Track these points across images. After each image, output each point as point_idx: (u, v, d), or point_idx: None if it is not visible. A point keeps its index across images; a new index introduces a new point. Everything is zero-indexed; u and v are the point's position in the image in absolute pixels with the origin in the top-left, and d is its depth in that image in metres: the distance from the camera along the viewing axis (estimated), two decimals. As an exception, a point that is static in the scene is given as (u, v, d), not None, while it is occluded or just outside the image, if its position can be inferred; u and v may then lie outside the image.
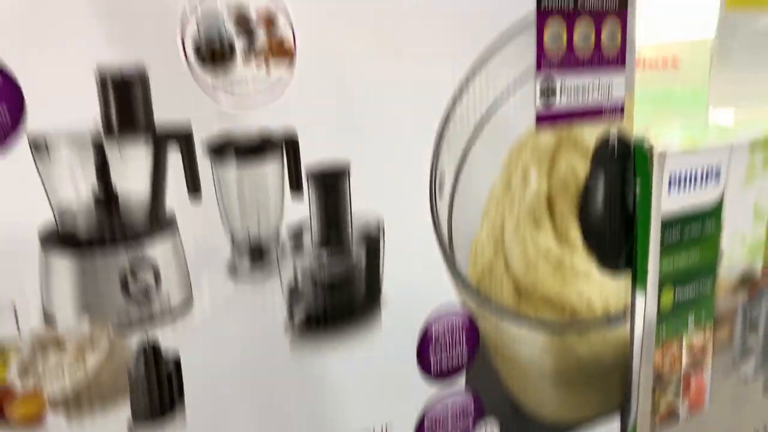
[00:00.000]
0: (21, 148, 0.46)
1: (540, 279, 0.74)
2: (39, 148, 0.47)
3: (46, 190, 0.48)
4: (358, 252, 0.62)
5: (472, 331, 0.71)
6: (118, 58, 0.48)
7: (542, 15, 0.68)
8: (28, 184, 0.47)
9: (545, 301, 0.75)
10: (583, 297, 0.77)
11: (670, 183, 0.78)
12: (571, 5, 0.70)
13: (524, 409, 0.78)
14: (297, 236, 0.59)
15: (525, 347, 0.75)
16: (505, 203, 0.71)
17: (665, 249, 0.79)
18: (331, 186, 0.59)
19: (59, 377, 0.50)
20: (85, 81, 0.47)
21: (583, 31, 0.71)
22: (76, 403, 0.51)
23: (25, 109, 0.46)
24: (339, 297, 0.61)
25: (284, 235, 0.58)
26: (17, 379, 0.49)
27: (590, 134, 0.75)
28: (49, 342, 0.50)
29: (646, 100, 0.80)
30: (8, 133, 0.45)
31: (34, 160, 0.47)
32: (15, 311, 0.47)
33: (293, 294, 0.59)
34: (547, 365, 0.77)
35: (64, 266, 0.49)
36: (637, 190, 0.78)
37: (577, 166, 0.75)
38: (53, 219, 0.48)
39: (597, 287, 0.78)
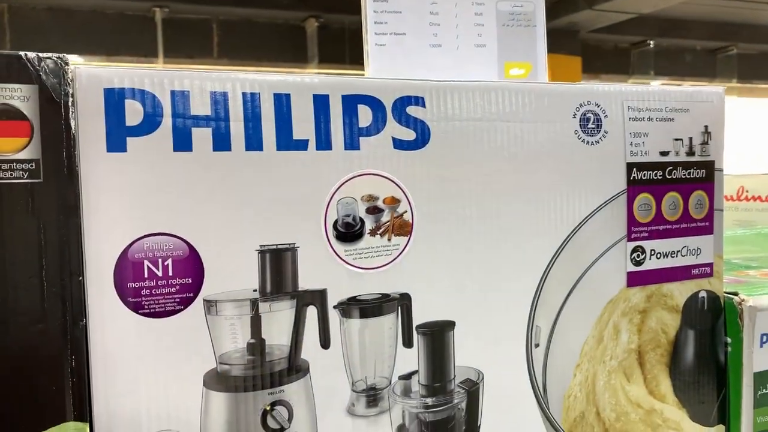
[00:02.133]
0: (197, 307, 0.59)
1: (630, 428, 0.78)
2: (210, 307, 0.60)
3: (212, 339, 0.60)
4: (459, 398, 0.70)
5: (564, 475, 0.76)
6: (276, 238, 0.61)
7: (632, 187, 0.77)
8: (200, 336, 0.60)
9: (637, 449, 0.79)
10: (675, 448, 0.80)
11: (762, 339, 0.82)
12: (659, 178, 0.78)
13: None
14: (406, 381, 0.68)
15: (616, 494, 0.79)
16: (596, 356, 0.77)
17: (758, 404, 0.82)
18: (438, 340, 0.68)
19: (207, 494, 0.61)
20: (248, 257, 0.60)
21: (671, 201, 0.79)
22: None
23: (203, 278, 0.59)
24: (441, 436, 0.69)
25: (395, 380, 0.68)
26: (176, 494, 0.60)
27: (680, 292, 0.81)
28: (203, 464, 0.61)
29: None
30: (192, 297, 0.59)
31: (206, 316, 0.59)
32: (181, 439, 0.59)
33: (401, 429, 0.68)
34: None
35: (219, 401, 0.61)
36: (729, 347, 0.82)
37: (667, 322, 0.80)
38: (214, 362, 0.60)
39: (689, 439, 0.81)
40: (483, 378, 0.71)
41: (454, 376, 0.70)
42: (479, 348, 0.71)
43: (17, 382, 0.54)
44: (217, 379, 0.61)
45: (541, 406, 0.74)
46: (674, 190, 0.79)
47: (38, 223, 0.54)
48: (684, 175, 0.79)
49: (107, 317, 0.57)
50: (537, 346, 0.74)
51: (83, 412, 0.56)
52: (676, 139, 0.79)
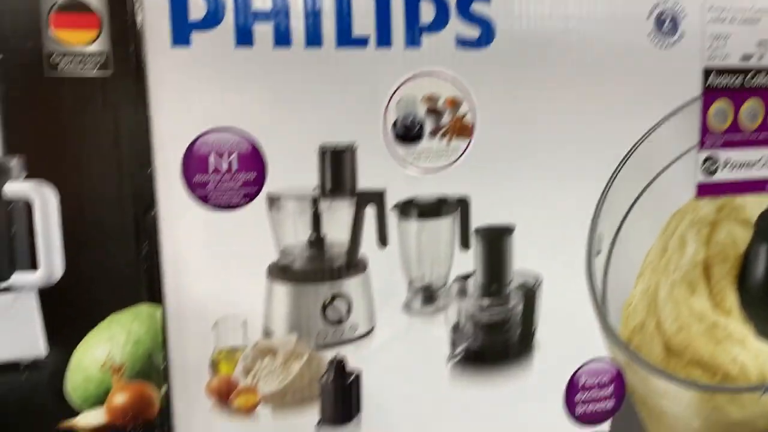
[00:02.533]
0: (260, 202, 0.61)
1: (692, 340, 0.78)
2: (273, 202, 0.61)
3: (274, 233, 0.62)
4: (515, 301, 0.70)
5: (619, 382, 0.77)
6: (335, 137, 0.62)
7: (708, 93, 0.73)
8: (262, 229, 0.62)
9: (696, 361, 0.78)
10: (737, 362, 0.79)
11: (840, 258, 0.78)
12: (739, 84, 0.74)
13: (669, 464, 0.81)
14: (463, 282, 0.69)
15: (672, 403, 0.79)
16: (660, 267, 0.76)
17: (831, 324, 0.79)
18: (496, 244, 0.69)
19: (270, 378, 0.64)
20: (309, 155, 0.61)
21: (750, 109, 0.74)
22: (281, 400, 0.65)
23: (266, 174, 0.61)
24: (495, 337, 0.71)
25: (451, 281, 0.69)
26: (241, 377, 0.64)
27: (753, 205, 0.77)
28: (266, 351, 0.64)
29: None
30: (255, 192, 0.61)
31: (269, 211, 0.61)
32: (245, 326, 0.62)
33: (456, 331, 0.69)
34: (694, 423, 0.80)
35: (281, 292, 0.64)
36: (803, 263, 0.79)
37: (738, 236, 0.78)
38: (277, 256, 0.63)
39: (753, 354, 0.79)
40: (540, 284, 0.71)
41: (511, 280, 0.70)
42: (538, 254, 0.70)
43: (95, 266, 0.58)
44: (280, 272, 0.63)
45: (599, 314, 0.74)
46: (755, 96, 0.74)
47: (112, 116, 0.56)
48: (767, 81, 0.75)
49: (176, 208, 0.59)
50: (598, 253, 0.73)
51: (156, 295, 0.60)
52: (761, 43, 0.74)
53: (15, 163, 0.55)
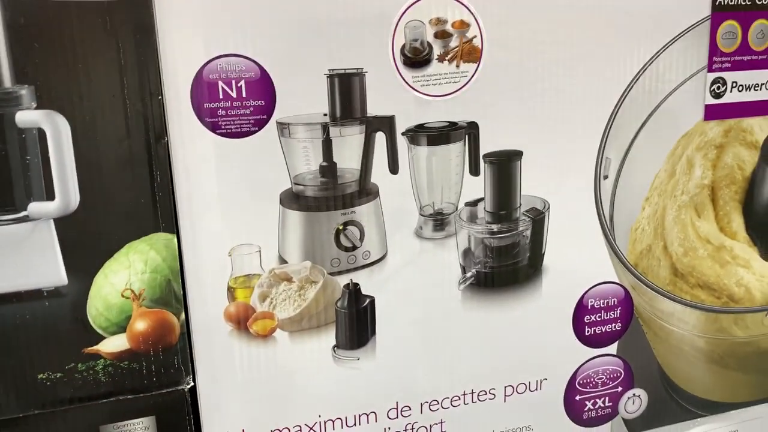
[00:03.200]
0: (271, 129, 0.61)
1: (698, 263, 0.79)
2: (283, 129, 0.62)
3: (286, 161, 0.63)
4: (524, 225, 0.71)
5: (626, 305, 0.78)
6: (343, 62, 0.61)
7: (717, 13, 0.72)
8: (275, 157, 0.62)
9: (701, 283, 0.80)
10: (742, 283, 0.80)
11: None
12: (748, 3, 0.73)
13: (673, 384, 0.84)
14: (472, 208, 0.70)
15: (678, 325, 0.81)
16: (667, 190, 0.76)
17: (836, 244, 0.80)
18: (504, 169, 0.69)
19: (286, 304, 0.66)
20: (318, 81, 0.61)
21: (759, 29, 0.74)
22: (297, 325, 0.66)
23: (275, 101, 0.61)
24: (505, 262, 0.72)
25: (461, 206, 0.69)
26: (257, 303, 0.65)
27: (761, 127, 0.78)
28: (281, 277, 0.65)
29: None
30: (265, 119, 0.61)
31: (279, 138, 0.62)
32: (260, 254, 0.63)
33: (466, 255, 0.70)
34: (699, 343, 0.82)
35: (295, 220, 0.65)
36: (809, 185, 0.80)
37: (744, 159, 0.78)
38: (290, 184, 0.63)
39: (757, 276, 0.81)
40: (549, 208, 0.71)
41: (520, 204, 0.71)
42: (546, 179, 0.71)
43: (111, 195, 0.59)
44: (293, 199, 0.64)
45: (607, 237, 0.75)
46: (764, 17, 0.74)
47: (116, 42, 0.56)
48: (777, 0, 0.74)
49: (187, 136, 0.59)
50: (606, 177, 0.73)
51: (171, 224, 0.61)
52: (772, -40, 0.73)
53: (26, 91, 0.55)
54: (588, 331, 0.77)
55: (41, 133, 0.56)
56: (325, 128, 0.63)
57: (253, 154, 0.61)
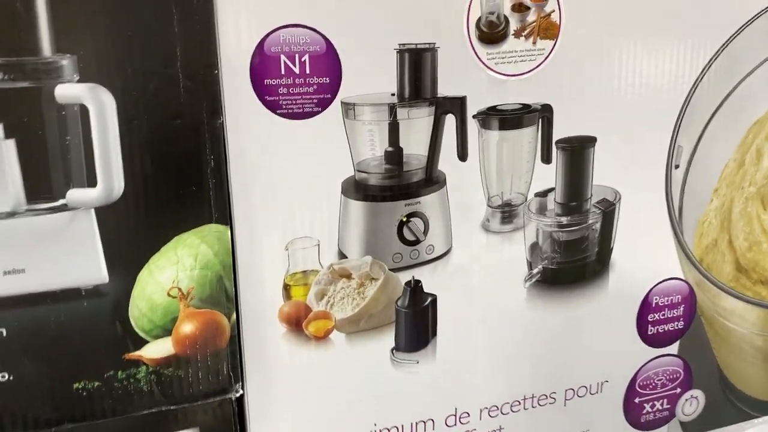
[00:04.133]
0: (335, 110, 0.55)
1: (761, 257, 0.75)
2: (348, 110, 0.55)
3: (350, 145, 0.56)
4: (594, 218, 0.66)
5: (690, 303, 0.74)
6: (414, 37, 0.56)
7: (794, -5, 0.68)
8: (337, 142, 0.56)
9: (764, 279, 0.76)
10: (806, 280, 0.77)
11: None
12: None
13: (731, 385, 0.80)
14: (542, 199, 0.64)
15: (739, 322, 0.77)
16: (735, 181, 0.72)
17: None
18: (577, 156, 0.64)
19: (345, 302, 0.60)
20: (387, 57, 0.55)
21: (837, 10, 0.70)
22: (356, 325, 0.60)
23: (341, 79, 0.54)
24: (573, 257, 0.67)
25: (531, 197, 0.64)
26: (314, 301, 0.59)
27: (832, 117, 0.74)
28: (340, 274, 0.59)
29: None
30: (330, 99, 0.54)
31: (344, 120, 0.56)
32: (318, 249, 0.57)
33: (534, 250, 0.65)
34: (758, 342, 0.78)
35: (356, 211, 0.59)
36: None
37: (814, 149, 0.74)
38: (353, 171, 0.57)
39: (821, 272, 0.77)
40: (620, 199, 0.67)
41: (591, 195, 0.66)
42: (618, 168, 0.66)
43: (158, 182, 0.52)
44: (356, 188, 0.58)
45: (675, 230, 0.70)
46: (842, -2, 0.70)
47: (171, 8, 0.49)
48: None
49: (244, 116, 0.53)
50: (677, 167, 0.69)
51: (225, 215, 0.54)
52: None
53: (67, 62, 0.48)
54: (651, 330, 0.73)
55: (83, 111, 0.49)
56: (392, 109, 0.57)
57: (315, 137, 0.55)
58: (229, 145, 0.53)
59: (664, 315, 0.73)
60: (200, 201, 0.53)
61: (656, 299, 0.72)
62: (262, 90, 0.53)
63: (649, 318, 0.72)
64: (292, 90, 0.54)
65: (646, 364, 0.74)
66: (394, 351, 0.62)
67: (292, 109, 0.54)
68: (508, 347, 0.67)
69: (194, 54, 0.51)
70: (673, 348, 0.75)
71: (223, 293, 0.56)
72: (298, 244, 0.57)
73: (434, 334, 0.63)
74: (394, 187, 0.60)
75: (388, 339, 0.62)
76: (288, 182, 0.56)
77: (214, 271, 0.55)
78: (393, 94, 0.57)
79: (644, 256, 0.70)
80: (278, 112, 0.54)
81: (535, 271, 0.65)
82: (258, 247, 0.56)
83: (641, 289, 0.71)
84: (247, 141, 0.54)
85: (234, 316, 0.56)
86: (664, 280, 0.72)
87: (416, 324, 0.62)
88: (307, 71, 0.54)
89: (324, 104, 0.55)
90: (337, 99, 0.55)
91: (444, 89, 0.58)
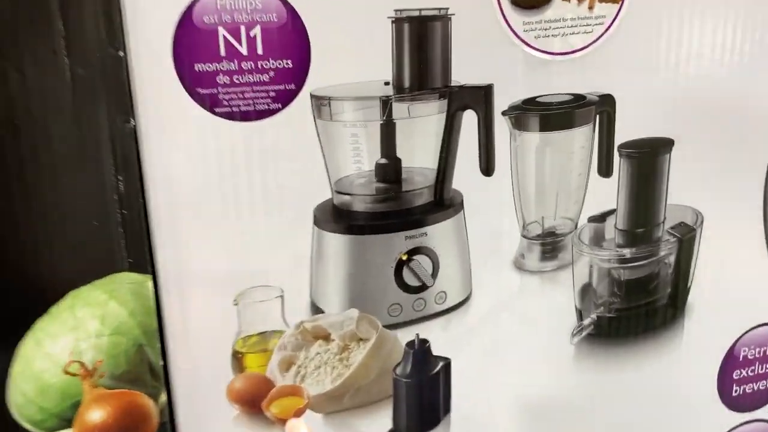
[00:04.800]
0: (301, 107, 0.38)
1: None
2: (321, 107, 0.39)
3: (324, 156, 0.40)
4: (668, 248, 0.49)
5: (789, 353, 0.56)
6: (418, 1, 0.38)
7: None
8: (305, 152, 0.39)
9: None
10: None
11: None
12: None
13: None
14: (598, 226, 0.47)
15: None
16: None
17: None
18: (647, 166, 0.47)
19: (322, 373, 0.43)
20: (377, 30, 0.38)
21: None
22: (338, 402, 0.44)
23: (309, 63, 0.37)
24: (639, 299, 0.50)
25: (583, 223, 0.47)
26: (278, 373, 0.43)
27: None
28: (314, 335, 0.43)
29: None
30: (293, 90, 0.38)
31: (315, 122, 0.39)
32: (282, 302, 0.41)
33: (585, 293, 0.48)
34: None
35: (337, 247, 0.42)
36: None
37: None
38: (329, 193, 0.40)
39: None
40: (702, 221, 0.49)
41: (665, 218, 0.48)
42: (701, 179, 0.50)
43: (42, 216, 0.36)
44: (334, 215, 0.42)
45: (774, 261, 0.52)
46: None
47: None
48: None
49: (166, 117, 0.37)
50: (779, 179, 0.51)
51: (143, 259, 0.38)
52: None
53: None
54: (736, 391, 0.56)
55: None
56: (386, 105, 0.40)
57: (273, 146, 0.39)
58: (146, 160, 0.37)
59: (754, 371, 0.56)
60: (106, 240, 0.37)
61: (745, 351, 0.55)
62: (191, 79, 0.36)
63: (735, 375, 0.56)
64: (238, 79, 0.37)
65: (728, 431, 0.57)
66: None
67: (238, 106, 0.37)
68: (550, 424, 0.50)
69: (86, 30, 0.34)
70: (765, 412, 0.57)
71: (145, 367, 0.40)
72: (252, 296, 0.41)
73: (447, 410, 0.47)
74: (389, 214, 0.43)
75: (383, 419, 0.46)
76: (235, 210, 0.39)
77: (131, 337, 0.39)
78: (387, 83, 0.40)
79: (732, 296, 0.53)
80: (217, 110, 0.37)
81: (586, 321, 0.49)
82: (194, 303, 0.40)
83: (726, 339, 0.55)
84: (172, 153, 0.37)
85: (163, 397, 0.40)
86: (756, 326, 0.55)
87: (423, 398, 0.46)
88: (259, 51, 0.37)
89: (285, 99, 0.38)
90: (304, 91, 0.38)
91: (461, 75, 0.41)
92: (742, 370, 0.56)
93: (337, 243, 0.42)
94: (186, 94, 0.37)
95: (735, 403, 0.57)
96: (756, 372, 0.56)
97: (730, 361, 0.55)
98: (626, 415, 0.53)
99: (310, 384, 0.44)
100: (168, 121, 0.37)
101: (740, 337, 0.55)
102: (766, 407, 0.58)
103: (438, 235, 0.44)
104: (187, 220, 0.39)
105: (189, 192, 0.38)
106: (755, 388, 0.57)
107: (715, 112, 0.47)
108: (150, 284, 0.38)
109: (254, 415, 0.43)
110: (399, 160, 0.42)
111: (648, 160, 0.46)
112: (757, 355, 0.56)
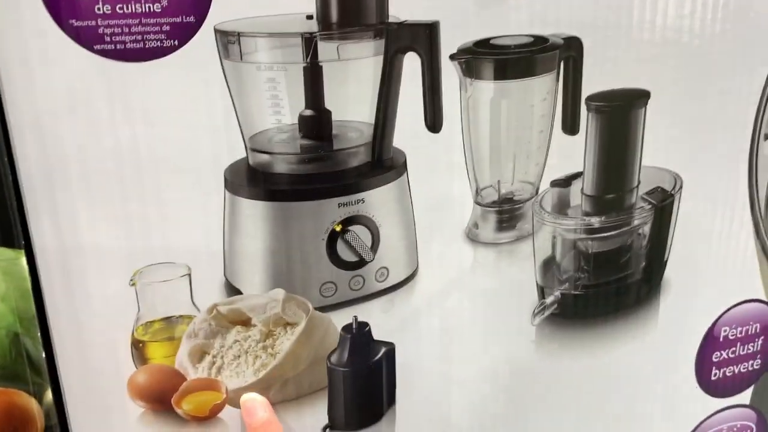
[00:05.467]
0: (204, 43, 0.31)
1: None
2: (229, 45, 0.32)
3: (235, 107, 0.33)
4: (642, 217, 0.43)
5: (771, 335, 0.51)
6: None
7: None
8: (210, 101, 0.32)
9: None
10: None
11: None
12: None
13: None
14: (562, 191, 0.41)
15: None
16: None
17: None
18: (619, 122, 0.41)
19: (242, 363, 0.37)
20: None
21: None
22: (262, 395, 0.38)
23: (212, -13, 0.31)
24: (609, 274, 0.44)
25: (545, 188, 0.41)
26: (188, 365, 0.36)
27: None
28: (231, 319, 0.37)
29: None
30: (194, 24, 0.31)
31: (221, 63, 0.32)
32: (189, 280, 0.34)
33: (547, 268, 0.43)
34: None
35: (256, 216, 0.35)
36: None
37: None
38: (243, 151, 0.34)
39: None
40: (681, 186, 0.44)
41: (639, 183, 0.43)
42: (679, 138, 0.44)
43: None
44: (250, 178, 0.35)
45: (758, 232, 0.48)
46: None
47: None
48: None
49: (34, 56, 0.30)
50: (767, 138, 0.45)
51: (12, 231, 0.31)
52: None
53: None
54: (715, 374, 0.52)
55: None
56: (309, 44, 0.34)
57: (170, 90, 0.32)
58: (10, 112, 0.30)
59: (735, 352, 0.51)
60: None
61: (725, 331, 0.50)
62: (62, 8, 0.29)
63: (714, 357, 0.51)
64: (122, 8, 0.30)
65: (707, 419, 0.52)
66: (328, 430, 0.40)
67: (124, 42, 0.31)
68: (508, 415, 0.44)
69: None
70: (745, 397, 0.53)
71: (23, 361, 0.33)
72: (152, 274, 0.34)
73: (392, 401, 0.41)
74: (318, 177, 0.37)
75: (317, 414, 0.40)
76: (126, 170, 0.32)
77: (3, 325, 0.32)
78: (310, 17, 0.33)
79: (712, 270, 0.48)
80: (97, 48, 0.30)
81: (549, 300, 0.43)
82: (80, 283, 0.33)
83: (705, 318, 0.50)
84: (42, 103, 0.30)
85: (48, 395, 0.34)
86: (738, 304, 0.50)
87: (362, 389, 0.40)
88: (149, -26, 0.30)
89: (183, 34, 0.31)
90: (206, 25, 0.31)
91: (401, 10, 0.34)
92: (722, 352, 0.51)
93: (255, 211, 0.35)
94: (57, 27, 0.30)
95: (714, 388, 0.52)
96: (737, 353, 0.51)
97: (710, 342, 0.50)
98: (594, 404, 0.48)
99: (228, 376, 0.37)
100: (36, 63, 0.30)
101: (721, 315, 0.50)
102: (747, 391, 0.54)
103: (377, 201, 0.37)
104: (67, 185, 0.32)
105: (68, 151, 0.32)
106: (736, 371, 0.52)
107: (696, 58, 0.41)
108: (24, 262, 0.32)
109: (163, 413, 0.37)
110: (328, 112, 0.35)
111: (620, 114, 0.40)
112: (738, 335, 0.51)
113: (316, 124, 0.35)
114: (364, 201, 0.37)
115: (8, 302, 0.32)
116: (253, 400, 0.36)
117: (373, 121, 0.36)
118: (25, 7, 0.29)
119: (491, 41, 0.37)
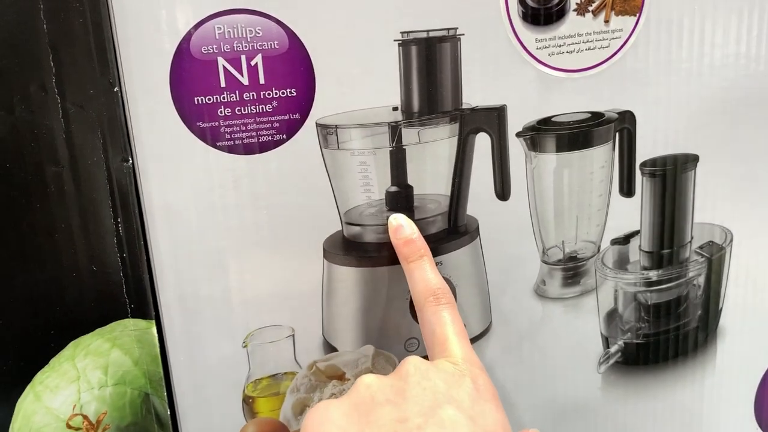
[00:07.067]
0: (307, 137, 0.36)
1: None
2: (328, 136, 0.37)
3: (332, 187, 0.38)
4: (696, 269, 0.46)
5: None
6: (425, 22, 0.37)
7: None
8: (312, 184, 0.37)
9: None
10: None
11: None
12: None
13: None
14: (621, 248, 0.45)
15: None
16: None
17: None
18: (671, 184, 0.44)
19: (338, 414, 0.41)
20: (384, 56, 0.36)
21: None
22: (355, 445, 0.41)
23: (314, 91, 0.36)
24: (668, 323, 0.47)
25: (606, 246, 0.44)
26: (292, 418, 0.40)
27: None
28: (328, 374, 0.41)
29: None
30: (299, 120, 0.36)
31: (321, 151, 0.37)
32: (293, 341, 0.39)
33: (611, 320, 0.46)
34: None
35: (348, 280, 0.40)
36: None
37: None
38: (339, 224, 0.39)
39: None
40: (731, 240, 0.47)
41: (692, 238, 0.46)
42: (729, 196, 0.46)
43: (37, 262, 0.34)
44: (344, 247, 0.39)
45: (808, 278, 0.50)
46: None
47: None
48: None
49: (166, 154, 0.35)
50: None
51: (146, 305, 0.36)
52: None
53: None
54: (774, 416, 0.53)
55: None
56: (395, 131, 0.38)
57: (278, 178, 0.37)
58: (145, 200, 0.35)
59: (792, 394, 0.53)
60: (105, 287, 0.35)
61: (783, 374, 0.52)
62: (191, 113, 0.34)
63: (773, 400, 0.52)
64: (240, 110, 0.35)
65: (767, 459, 0.54)
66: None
67: (241, 138, 0.36)
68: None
69: (78, 64, 0.32)
70: (804, 435, 0.54)
71: (152, 417, 0.37)
72: (261, 336, 0.38)
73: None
74: (402, 245, 0.40)
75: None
76: (241, 247, 0.37)
77: (136, 386, 0.37)
78: (395, 109, 0.38)
79: (766, 316, 0.50)
80: (219, 144, 0.35)
81: (613, 349, 0.46)
82: (200, 347, 0.38)
83: (762, 360, 0.51)
84: (172, 191, 0.35)
85: (172, 447, 0.38)
86: (793, 349, 0.51)
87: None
88: (262, 81, 0.35)
89: (290, 129, 0.36)
90: (309, 120, 0.36)
91: (472, 97, 0.39)
92: (780, 395, 0.53)
93: (348, 276, 0.40)
94: (186, 129, 0.35)
95: (773, 429, 0.54)
96: (794, 396, 0.54)
97: (767, 382, 0.52)
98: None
99: (326, 427, 0.41)
100: (167, 158, 0.35)
101: (777, 359, 0.52)
102: (806, 430, 0.55)
103: (453, 263, 0.41)
104: (190, 261, 0.37)
105: (192, 231, 0.36)
106: (794, 411, 0.54)
107: (739, 123, 0.44)
108: (154, 331, 0.37)
109: (268, 464, 0.41)
110: (410, 188, 0.40)
111: (672, 177, 0.44)
112: (795, 378, 0.53)
113: (401, 198, 0.40)
114: (442, 263, 0.41)
115: (141, 366, 0.37)
116: (397, 218, 0.38)
117: (449, 193, 0.41)
118: (159, 115, 0.34)
119: (552, 119, 0.41)
